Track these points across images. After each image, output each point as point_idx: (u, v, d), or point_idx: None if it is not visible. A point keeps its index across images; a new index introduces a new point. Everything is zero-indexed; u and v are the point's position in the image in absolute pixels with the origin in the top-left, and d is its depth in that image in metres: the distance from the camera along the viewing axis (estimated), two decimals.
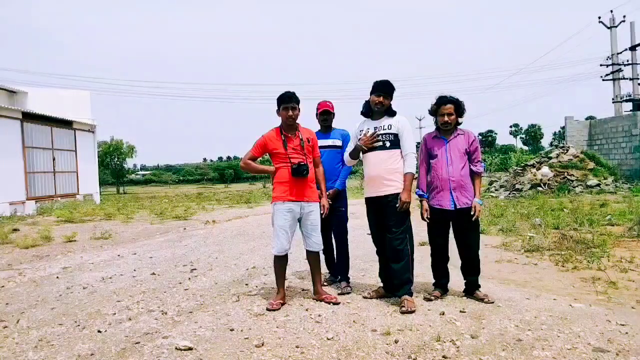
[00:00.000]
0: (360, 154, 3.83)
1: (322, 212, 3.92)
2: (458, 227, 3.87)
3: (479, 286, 3.88)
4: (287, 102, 3.80)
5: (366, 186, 3.87)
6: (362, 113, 3.94)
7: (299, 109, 3.86)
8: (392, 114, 3.81)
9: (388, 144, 3.73)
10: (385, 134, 3.74)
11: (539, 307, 3.55)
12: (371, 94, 3.80)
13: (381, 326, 3.19)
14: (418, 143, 4.24)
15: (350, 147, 3.97)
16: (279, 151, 3.82)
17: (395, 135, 3.73)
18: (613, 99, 24.14)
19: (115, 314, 3.70)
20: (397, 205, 3.63)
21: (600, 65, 24.81)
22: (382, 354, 2.75)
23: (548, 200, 12.35)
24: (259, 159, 4.06)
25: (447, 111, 3.79)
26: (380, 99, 3.74)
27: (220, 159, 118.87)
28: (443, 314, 3.42)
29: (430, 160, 3.88)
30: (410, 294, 3.66)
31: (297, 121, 3.88)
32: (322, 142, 4.24)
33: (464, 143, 3.82)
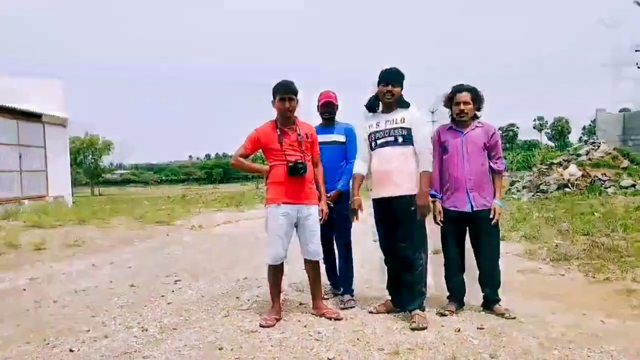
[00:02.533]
0: (369, 153, 3.87)
1: (320, 217, 3.92)
2: (475, 232, 3.87)
3: (499, 300, 3.88)
4: (283, 92, 3.79)
5: (374, 186, 3.87)
6: (367, 107, 3.92)
7: (297, 100, 3.86)
8: (405, 105, 3.80)
9: (400, 140, 3.71)
10: (397, 128, 3.73)
11: (567, 323, 3.55)
12: (378, 84, 3.79)
13: (389, 344, 3.18)
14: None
15: (360, 148, 3.98)
16: (273, 147, 3.82)
17: (409, 130, 3.71)
18: None
19: (89, 330, 3.69)
20: (412, 209, 3.62)
21: (636, 51, 24.84)
22: None
23: (576, 202, 12.35)
24: (251, 156, 4.06)
25: (464, 99, 3.78)
26: (389, 88, 3.73)
27: (207, 156, 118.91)
28: (459, 330, 3.41)
29: (444, 156, 3.87)
30: (422, 309, 3.66)
31: (295, 114, 3.88)
32: (323, 138, 4.22)
33: (483, 136, 3.81)
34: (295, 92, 3.84)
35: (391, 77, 3.74)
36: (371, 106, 3.92)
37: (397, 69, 3.79)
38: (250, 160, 4.07)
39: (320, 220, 3.92)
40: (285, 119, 3.86)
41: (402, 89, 3.79)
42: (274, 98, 3.84)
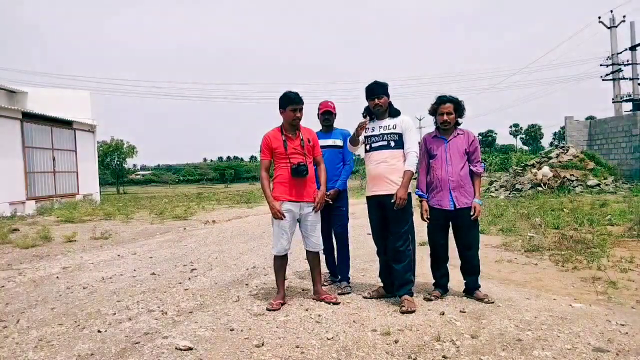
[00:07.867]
0: (363, 150, 3.85)
1: (317, 204, 3.82)
2: (458, 227, 3.87)
3: (479, 286, 3.88)
4: (297, 102, 3.79)
5: (368, 185, 3.88)
6: (364, 116, 3.93)
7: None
8: (395, 113, 3.81)
9: (392, 144, 3.71)
10: (389, 133, 3.73)
11: (539, 307, 3.55)
12: (367, 99, 3.80)
13: (381, 326, 3.19)
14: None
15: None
16: (279, 151, 3.82)
17: (400, 135, 3.72)
18: (613, 99, 24.13)
19: (115, 314, 3.70)
20: (392, 201, 3.62)
21: (600, 65, 24.80)
22: (382, 354, 2.75)
23: (548, 200, 12.35)
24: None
25: (447, 110, 3.79)
26: (376, 102, 3.74)
27: (220, 159, 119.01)
28: (443, 314, 3.42)
29: (430, 160, 3.88)
30: (411, 294, 3.66)
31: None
32: (323, 142, 4.23)
33: (464, 143, 3.82)
34: (303, 103, 3.84)
35: (375, 91, 3.75)
36: (366, 115, 3.91)
37: (378, 82, 3.78)
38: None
39: (317, 205, 3.84)
40: (293, 126, 3.85)
41: (388, 97, 3.79)
42: (285, 107, 3.80)
